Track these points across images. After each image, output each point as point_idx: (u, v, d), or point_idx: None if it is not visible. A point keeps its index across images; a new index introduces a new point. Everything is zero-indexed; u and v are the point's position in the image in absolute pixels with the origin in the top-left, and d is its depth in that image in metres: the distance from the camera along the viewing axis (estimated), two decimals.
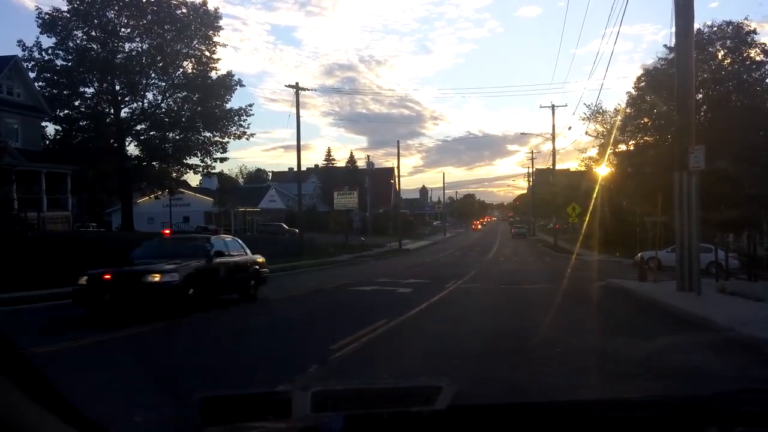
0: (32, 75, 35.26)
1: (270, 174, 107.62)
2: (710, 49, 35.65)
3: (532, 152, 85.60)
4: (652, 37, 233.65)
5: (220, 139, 39.18)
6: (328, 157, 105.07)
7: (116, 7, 36.26)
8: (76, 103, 37.81)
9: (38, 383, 1.37)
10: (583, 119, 46.41)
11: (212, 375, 6.85)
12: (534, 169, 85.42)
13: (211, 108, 37.98)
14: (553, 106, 52.54)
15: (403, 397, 2.22)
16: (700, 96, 34.22)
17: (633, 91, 40.53)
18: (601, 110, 45.66)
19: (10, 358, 1.34)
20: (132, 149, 39.34)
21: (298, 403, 1.96)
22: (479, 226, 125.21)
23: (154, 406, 3.89)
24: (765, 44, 36.03)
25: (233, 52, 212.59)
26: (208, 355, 8.50)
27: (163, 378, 6.25)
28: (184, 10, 36.93)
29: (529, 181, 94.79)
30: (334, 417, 1.78)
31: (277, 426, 1.83)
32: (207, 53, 38.14)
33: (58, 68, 36.30)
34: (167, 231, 20.94)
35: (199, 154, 39.12)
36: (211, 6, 37.82)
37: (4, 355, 1.33)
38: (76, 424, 1.42)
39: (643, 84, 39.12)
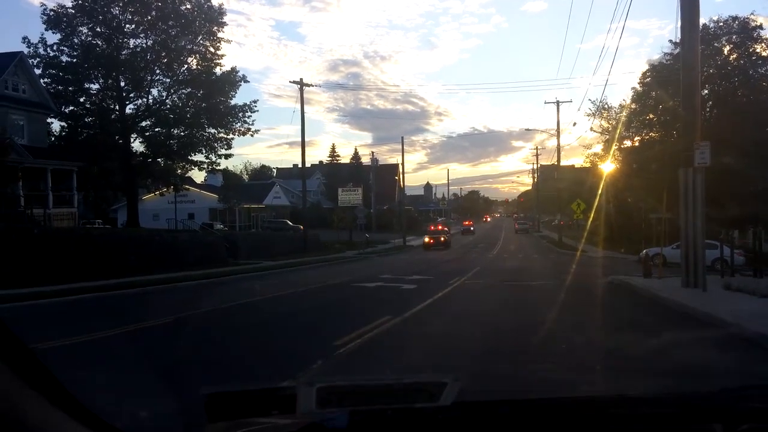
0: (38, 71, 35.34)
1: (274, 170, 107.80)
2: (716, 44, 35.46)
3: (536, 148, 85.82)
4: (658, 32, 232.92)
5: (225, 136, 39.24)
6: (333, 154, 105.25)
7: (121, 4, 36.28)
8: (81, 100, 37.87)
9: (44, 377, 1.37)
10: (588, 115, 46.35)
11: (217, 370, 6.87)
12: (538, 166, 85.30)
13: (216, 104, 38.02)
14: (557, 102, 52.60)
15: (408, 393, 2.23)
16: (706, 92, 34.07)
17: (638, 87, 40.36)
18: (606, 106, 45.48)
19: (17, 353, 1.34)
20: (137, 146, 39.44)
21: (303, 399, 1.97)
22: (443, 239, 48.64)
23: (159, 401, 3.91)
24: None
25: (237, 48, 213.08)
26: (213, 350, 8.52)
27: (168, 373, 6.28)
28: (188, 6, 36.92)
29: (533, 177, 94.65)
30: (338, 412, 1.79)
31: (281, 421, 1.83)
32: (211, 49, 38.15)
33: (63, 64, 36.34)
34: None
35: (204, 151, 39.19)
36: (215, 2, 37.86)
37: (11, 350, 1.33)
38: (81, 419, 1.43)
39: (648, 79, 38.94)
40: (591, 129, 47.51)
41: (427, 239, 48.82)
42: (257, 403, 1.99)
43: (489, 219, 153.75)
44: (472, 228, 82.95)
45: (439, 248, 46.16)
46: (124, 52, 37.05)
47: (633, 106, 41.07)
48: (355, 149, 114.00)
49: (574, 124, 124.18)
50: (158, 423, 2.15)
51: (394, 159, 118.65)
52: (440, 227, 55.10)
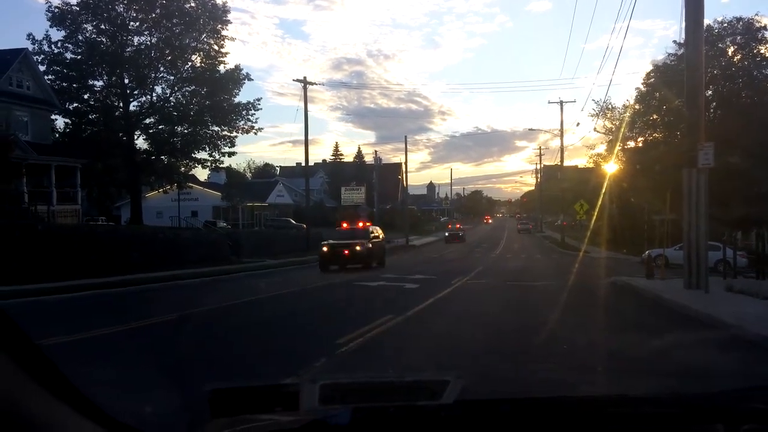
0: (42, 68, 35.41)
1: (278, 169, 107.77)
2: (720, 45, 35.40)
3: (540, 148, 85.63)
4: (662, 33, 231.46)
5: (228, 133, 39.34)
6: (336, 152, 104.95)
7: (125, 1, 36.40)
8: (86, 96, 37.98)
9: (50, 372, 1.38)
10: (591, 115, 46.22)
11: (220, 367, 6.89)
12: (542, 166, 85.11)
13: (219, 102, 38.09)
14: (561, 102, 52.29)
15: (410, 391, 2.24)
16: (710, 92, 34.02)
17: (642, 87, 40.32)
18: (609, 106, 45.43)
19: (23, 348, 1.35)
20: (141, 143, 39.59)
21: (306, 396, 1.98)
22: (359, 247, 25.44)
23: (163, 397, 3.93)
24: None
25: (241, 46, 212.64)
26: (216, 347, 8.54)
27: (172, 370, 6.30)
28: (192, 4, 37.01)
29: (536, 177, 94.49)
30: (341, 410, 1.79)
31: (285, 418, 1.84)
32: (215, 47, 38.24)
33: (67, 61, 36.44)
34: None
35: (207, 148, 39.31)
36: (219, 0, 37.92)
37: (17, 345, 1.34)
38: (85, 413, 1.44)
39: (652, 80, 38.90)
40: (594, 129, 47.53)
41: (324, 248, 25.66)
42: (260, 400, 1.99)
43: (490, 220, 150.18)
44: (461, 233, 60.22)
45: (354, 265, 24.89)
46: (128, 50, 37.15)
47: (637, 106, 41.04)
48: (359, 148, 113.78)
49: (578, 124, 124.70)
50: (162, 418, 2.16)
51: (398, 158, 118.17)
52: (361, 224, 30.43)
